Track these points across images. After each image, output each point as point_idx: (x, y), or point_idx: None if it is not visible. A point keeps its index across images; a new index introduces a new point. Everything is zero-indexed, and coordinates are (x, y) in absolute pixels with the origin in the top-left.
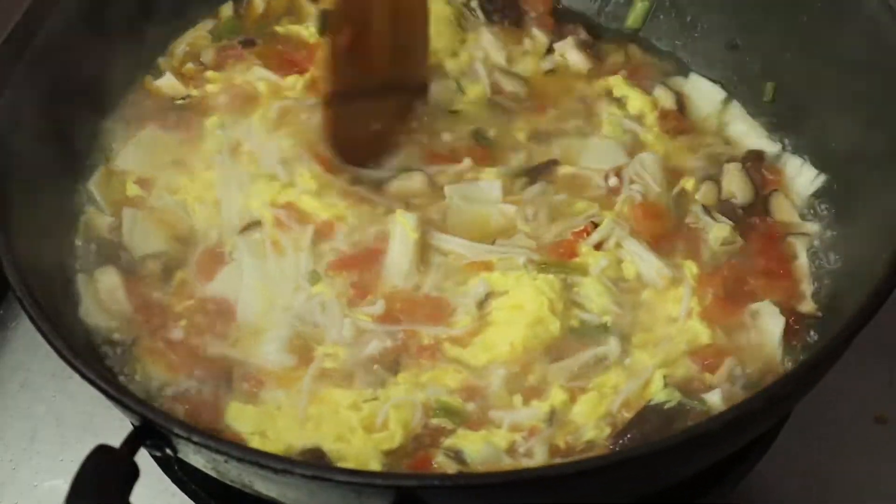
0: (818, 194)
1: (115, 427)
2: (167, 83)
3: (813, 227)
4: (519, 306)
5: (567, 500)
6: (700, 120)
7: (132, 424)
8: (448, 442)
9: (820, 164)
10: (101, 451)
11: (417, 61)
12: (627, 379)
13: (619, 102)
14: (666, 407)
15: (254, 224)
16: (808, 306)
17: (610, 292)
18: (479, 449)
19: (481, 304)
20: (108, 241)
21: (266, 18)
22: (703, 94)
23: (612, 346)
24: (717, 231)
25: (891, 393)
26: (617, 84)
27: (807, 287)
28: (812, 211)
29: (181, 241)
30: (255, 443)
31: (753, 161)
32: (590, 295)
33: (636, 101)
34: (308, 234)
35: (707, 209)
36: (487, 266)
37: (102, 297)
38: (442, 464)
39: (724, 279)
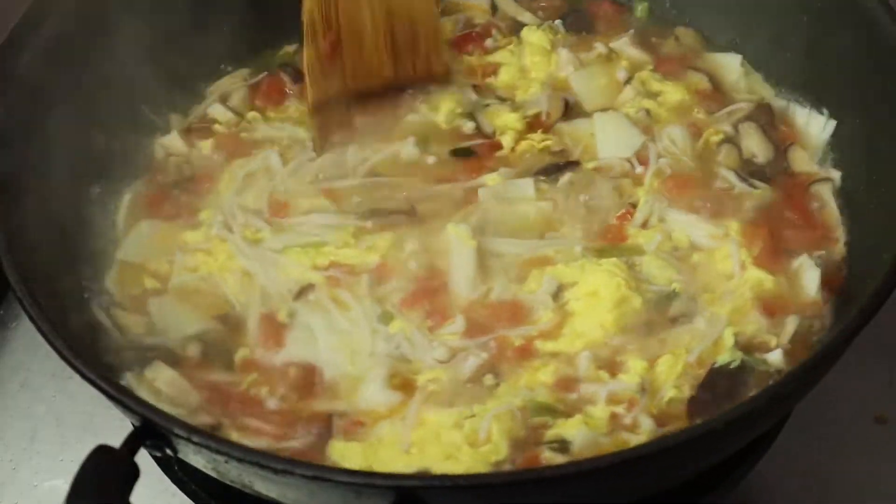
0: (832, 143)
1: (115, 427)
2: (171, 142)
3: (835, 172)
4: (594, 292)
5: (567, 500)
6: (732, 89)
7: (132, 424)
8: (550, 433)
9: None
10: (101, 451)
11: (426, 55)
12: (701, 338)
13: (654, 96)
14: (731, 367)
15: (306, 288)
16: (841, 252)
17: (670, 264)
18: (578, 433)
19: (556, 297)
20: (139, 338)
21: None
22: (725, 63)
23: (685, 308)
24: (759, 196)
25: (891, 393)
26: (647, 80)
27: (840, 234)
28: (829, 159)
29: (220, 318)
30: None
31: (766, 116)
32: (651, 271)
33: (674, 93)
34: (364, 284)
35: (741, 175)
36: (546, 261)
37: (165, 391)
38: (549, 458)
39: (767, 232)
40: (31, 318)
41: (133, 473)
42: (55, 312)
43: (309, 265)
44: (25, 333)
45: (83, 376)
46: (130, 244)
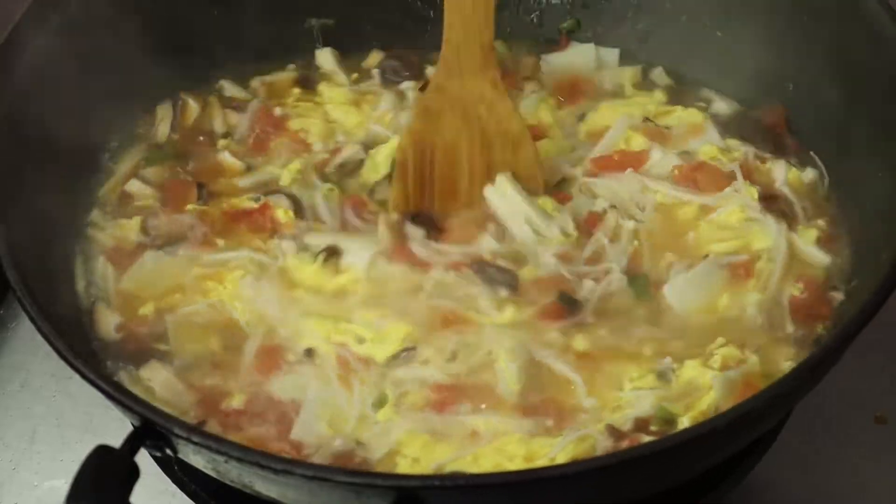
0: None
1: (115, 427)
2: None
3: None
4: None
5: (567, 499)
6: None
7: (132, 424)
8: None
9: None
10: (101, 451)
11: (525, 179)
12: None
13: None
14: None
15: (312, 350)
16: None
17: None
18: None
19: None
20: (118, 341)
21: (197, 129)
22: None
23: None
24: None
25: (891, 393)
26: None
27: None
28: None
29: (226, 346)
30: (404, 464)
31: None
32: None
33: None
34: (374, 372)
35: None
36: None
37: (159, 392)
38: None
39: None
40: (31, 318)
41: (133, 473)
42: (55, 313)
43: (323, 335)
44: (25, 333)
45: (83, 376)
46: (130, 278)
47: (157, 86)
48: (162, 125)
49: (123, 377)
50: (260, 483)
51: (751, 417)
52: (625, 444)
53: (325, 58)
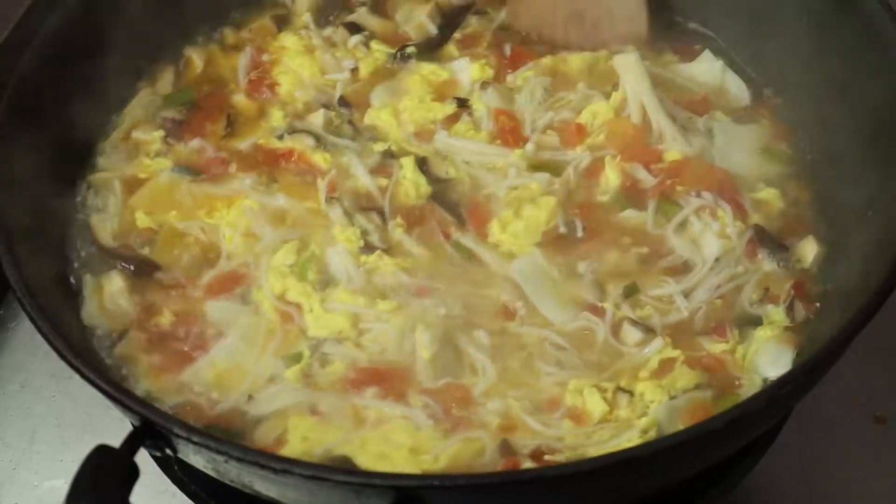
0: None
1: (115, 427)
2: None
3: None
4: None
5: (566, 500)
6: None
7: (132, 424)
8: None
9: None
10: (101, 451)
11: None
12: None
13: None
14: None
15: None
16: None
17: None
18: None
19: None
20: (114, 247)
21: (205, 82)
22: None
23: None
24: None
25: (891, 393)
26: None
27: None
28: None
29: (196, 262)
30: (295, 442)
31: None
32: None
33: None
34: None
35: None
36: None
37: (107, 305)
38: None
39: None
40: (31, 318)
41: (133, 473)
42: (55, 312)
43: (278, 291)
44: (25, 333)
45: (83, 376)
46: (143, 195)
47: (157, 44)
48: (163, 80)
49: (88, 281)
50: (260, 483)
51: (750, 418)
52: (511, 464)
53: (301, 1)
